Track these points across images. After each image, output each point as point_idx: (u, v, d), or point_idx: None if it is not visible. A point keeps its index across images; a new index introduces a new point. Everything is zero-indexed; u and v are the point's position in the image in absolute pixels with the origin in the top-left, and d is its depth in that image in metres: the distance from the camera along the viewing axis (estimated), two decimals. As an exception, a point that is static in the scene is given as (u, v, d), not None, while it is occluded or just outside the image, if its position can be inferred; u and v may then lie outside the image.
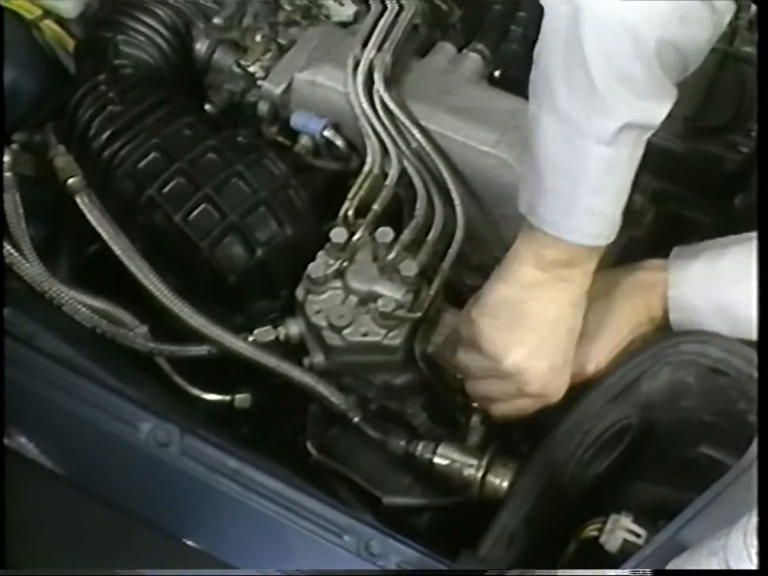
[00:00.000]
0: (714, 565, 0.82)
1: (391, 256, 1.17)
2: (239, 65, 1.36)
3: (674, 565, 0.88)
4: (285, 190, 1.23)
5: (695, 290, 1.10)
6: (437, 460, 1.14)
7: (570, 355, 1.11)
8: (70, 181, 1.23)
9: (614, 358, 1.13)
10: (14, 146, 1.26)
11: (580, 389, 1.12)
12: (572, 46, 0.97)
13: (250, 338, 1.19)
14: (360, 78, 1.29)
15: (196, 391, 1.21)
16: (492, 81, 1.41)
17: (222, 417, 1.21)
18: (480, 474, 1.12)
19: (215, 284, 1.20)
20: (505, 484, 1.11)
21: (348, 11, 1.42)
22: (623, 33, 0.94)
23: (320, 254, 1.19)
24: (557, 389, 1.11)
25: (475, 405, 1.17)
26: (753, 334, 1.03)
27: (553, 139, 1.03)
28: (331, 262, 1.18)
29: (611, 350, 1.13)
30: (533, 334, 1.09)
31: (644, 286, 1.14)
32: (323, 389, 1.17)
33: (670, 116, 1.22)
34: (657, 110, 1.01)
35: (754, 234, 1.08)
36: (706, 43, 1.00)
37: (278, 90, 1.33)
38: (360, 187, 1.24)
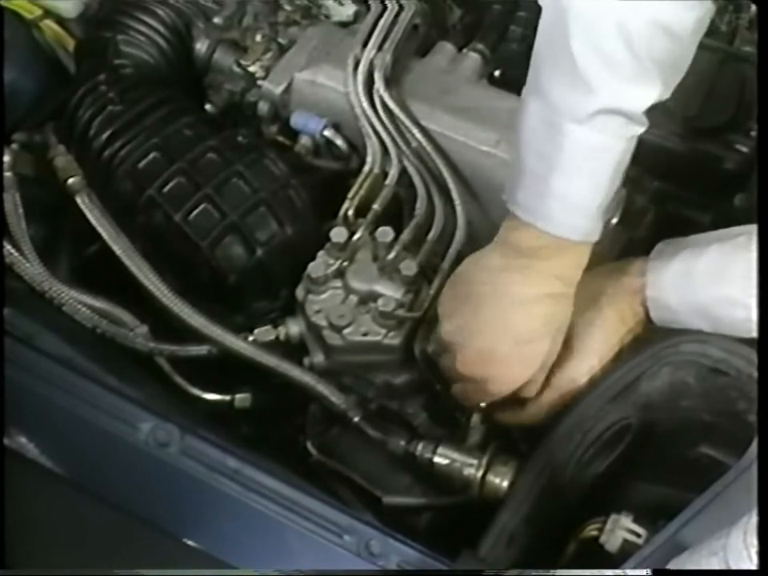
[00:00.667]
0: (714, 565, 0.82)
1: (391, 256, 1.18)
2: (239, 65, 1.36)
3: (673, 565, 0.88)
4: (285, 189, 1.23)
5: (671, 291, 1.10)
6: (437, 459, 1.14)
7: (512, 359, 1.09)
8: (70, 181, 1.23)
9: (607, 364, 1.13)
10: (14, 146, 1.26)
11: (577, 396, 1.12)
12: (557, 25, 0.98)
13: (250, 338, 1.19)
14: (360, 77, 1.30)
15: (196, 391, 1.21)
16: (492, 81, 1.41)
17: (222, 417, 1.21)
18: (480, 474, 1.12)
19: (215, 284, 1.20)
20: (505, 484, 1.11)
21: (348, 11, 1.42)
22: (608, 12, 0.94)
23: (320, 253, 1.19)
24: (495, 376, 1.09)
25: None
26: (736, 332, 1.04)
27: (534, 121, 1.03)
28: (331, 261, 1.18)
29: (602, 359, 1.13)
30: (473, 312, 1.09)
31: (628, 291, 1.13)
32: (323, 388, 1.17)
33: (670, 116, 1.23)
34: (637, 97, 0.99)
35: (738, 230, 1.08)
36: (695, 26, 0.98)
37: (278, 90, 1.33)
38: (360, 187, 1.24)
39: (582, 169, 1.02)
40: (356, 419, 1.17)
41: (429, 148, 1.26)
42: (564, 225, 1.04)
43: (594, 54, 0.96)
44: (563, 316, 1.09)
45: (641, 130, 1.02)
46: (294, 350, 1.20)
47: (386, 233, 1.19)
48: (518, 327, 1.08)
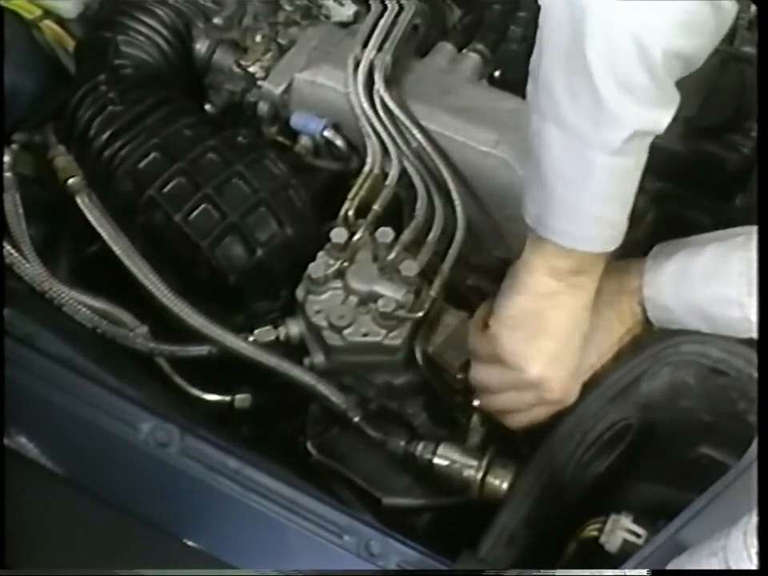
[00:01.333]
0: (714, 565, 0.82)
1: (391, 256, 1.17)
2: (239, 65, 1.36)
3: (674, 565, 0.88)
4: (285, 190, 1.23)
5: (668, 291, 1.10)
6: (436, 461, 1.14)
7: (581, 358, 1.11)
8: (70, 181, 1.23)
9: (606, 363, 1.14)
10: (14, 146, 1.26)
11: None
12: (574, 55, 0.96)
13: (251, 338, 1.19)
14: (360, 78, 1.29)
15: (196, 391, 1.21)
16: (492, 81, 1.41)
17: (222, 417, 1.21)
18: (480, 475, 1.12)
19: (215, 284, 1.20)
20: (504, 485, 1.11)
21: (348, 11, 1.42)
22: (629, 42, 0.93)
23: (320, 254, 1.19)
24: (575, 393, 1.12)
25: (475, 403, 1.17)
26: (733, 331, 1.05)
27: (559, 150, 1.02)
28: (331, 262, 1.18)
29: (601, 359, 1.13)
30: (553, 342, 1.09)
31: (626, 292, 1.13)
32: (323, 388, 1.17)
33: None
34: (663, 117, 1.00)
35: (736, 231, 1.08)
36: (710, 47, 1.00)
37: (278, 90, 1.33)
38: (360, 187, 1.24)
39: (615, 192, 1.04)
40: (356, 419, 1.17)
41: (429, 148, 1.26)
42: (602, 242, 1.06)
43: (616, 85, 0.95)
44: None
45: (654, 138, 1.04)
46: (294, 351, 1.20)
47: (386, 233, 1.18)
48: (582, 337, 1.10)
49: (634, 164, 1.03)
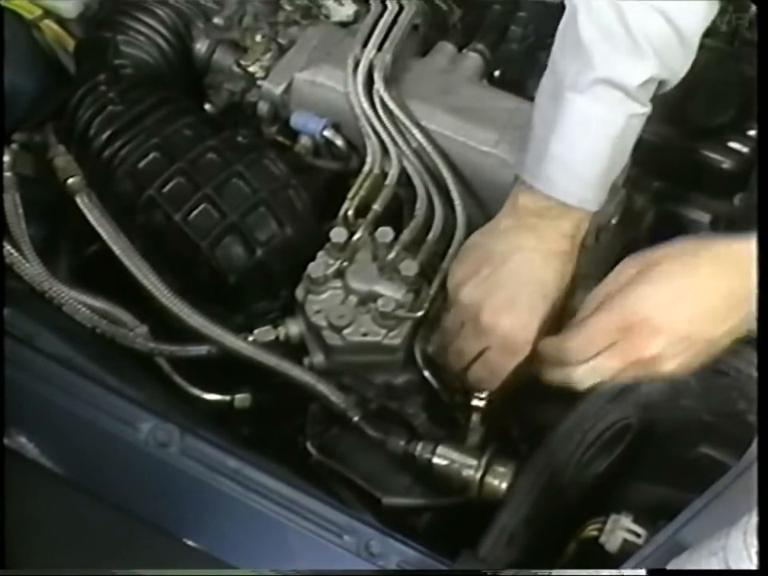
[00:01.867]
0: (714, 565, 0.82)
1: (391, 256, 1.17)
2: (239, 65, 1.36)
3: (674, 565, 0.88)
4: (285, 189, 1.23)
5: None
6: (436, 460, 1.14)
7: (537, 308, 1.10)
8: (70, 181, 1.23)
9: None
10: (14, 146, 1.26)
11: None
12: (570, 4, 1.09)
13: (250, 338, 1.19)
14: (360, 77, 1.30)
15: (196, 391, 1.21)
16: (492, 81, 1.41)
17: (222, 417, 1.21)
18: (479, 475, 1.12)
19: (215, 284, 1.20)
20: (503, 485, 1.11)
21: (348, 11, 1.42)
22: None
23: (320, 253, 1.19)
24: (516, 329, 1.10)
25: (474, 403, 1.16)
26: None
27: (543, 90, 1.14)
28: (331, 261, 1.18)
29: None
30: (494, 269, 1.11)
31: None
32: (323, 388, 1.17)
33: (670, 116, 1.23)
34: (631, 70, 1.07)
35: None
36: (695, 18, 1.07)
37: (278, 90, 1.33)
38: (360, 187, 1.24)
39: (580, 137, 1.10)
40: (356, 419, 1.17)
41: (429, 148, 1.26)
42: (562, 189, 1.10)
43: (596, 29, 1.07)
44: (567, 276, 1.12)
45: (641, 110, 1.10)
46: (293, 351, 1.20)
47: (385, 233, 1.18)
48: (537, 279, 1.11)
49: (601, 114, 1.08)
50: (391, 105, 1.28)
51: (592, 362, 1.04)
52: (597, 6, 1.07)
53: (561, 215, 1.11)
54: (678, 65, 1.11)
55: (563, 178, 1.10)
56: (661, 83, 1.11)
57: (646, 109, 1.11)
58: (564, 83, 1.09)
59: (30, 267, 1.19)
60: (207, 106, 1.38)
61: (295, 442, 1.23)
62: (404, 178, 1.26)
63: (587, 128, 1.09)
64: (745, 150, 1.34)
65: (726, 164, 1.35)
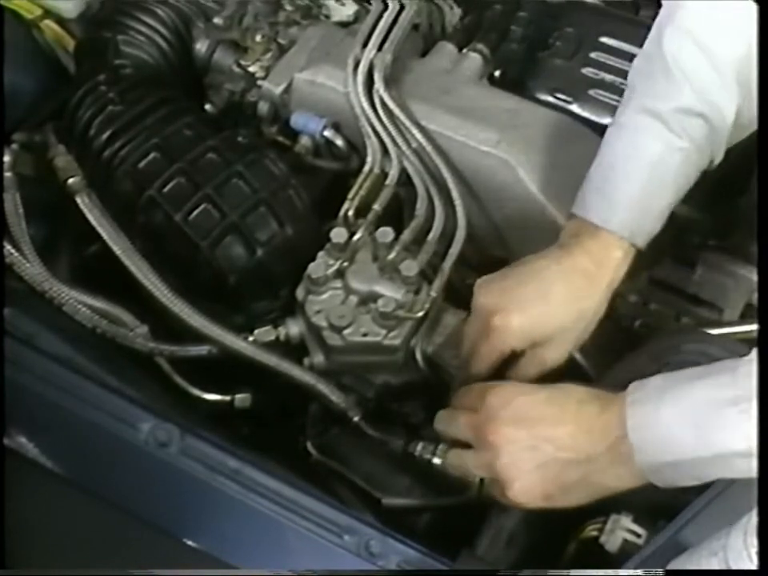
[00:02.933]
0: (714, 565, 0.82)
1: (391, 256, 1.17)
2: (239, 65, 1.36)
3: (674, 565, 0.88)
4: (285, 189, 1.23)
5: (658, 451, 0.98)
6: (436, 460, 1.14)
7: (545, 315, 1.09)
8: (70, 181, 1.23)
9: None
10: (14, 146, 1.26)
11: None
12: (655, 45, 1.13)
13: (251, 338, 1.19)
14: (360, 77, 1.29)
15: (196, 391, 1.21)
16: (492, 81, 1.41)
17: (222, 417, 1.21)
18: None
19: (215, 284, 1.20)
20: (504, 484, 1.11)
21: (348, 11, 1.42)
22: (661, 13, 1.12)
23: (320, 254, 1.19)
24: (525, 329, 1.10)
25: None
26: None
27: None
28: (331, 262, 1.18)
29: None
30: (512, 276, 1.12)
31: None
32: (323, 388, 1.17)
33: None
34: (664, 96, 1.10)
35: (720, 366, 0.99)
36: (735, 47, 1.08)
37: (278, 90, 1.33)
38: (360, 187, 1.24)
39: (615, 160, 1.12)
40: (356, 419, 1.17)
41: (429, 148, 1.26)
42: (592, 210, 1.11)
43: (642, 57, 1.15)
44: (586, 295, 1.10)
45: (678, 143, 1.09)
46: (294, 351, 1.20)
47: (386, 233, 1.18)
48: (550, 288, 1.10)
49: (637, 142, 1.11)
50: (391, 105, 1.28)
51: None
52: (650, 36, 1.13)
53: (591, 236, 1.10)
54: (718, 98, 1.09)
55: (594, 199, 1.11)
56: (711, 128, 1.10)
57: (687, 144, 1.09)
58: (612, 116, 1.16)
59: (30, 267, 1.19)
60: (207, 106, 1.38)
61: (295, 442, 1.23)
62: (404, 178, 1.26)
63: (622, 153, 1.12)
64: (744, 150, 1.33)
65: (726, 164, 1.34)
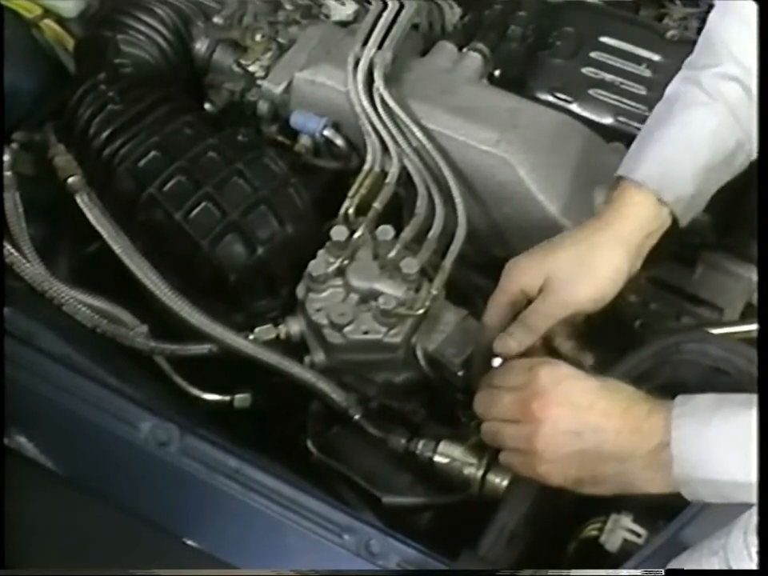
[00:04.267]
0: (715, 564, 0.82)
1: (392, 254, 1.17)
2: (239, 64, 1.36)
3: (674, 564, 0.88)
4: (285, 188, 1.23)
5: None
6: (437, 458, 1.14)
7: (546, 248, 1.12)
8: (70, 180, 1.23)
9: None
10: (14, 146, 1.26)
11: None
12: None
13: (251, 337, 1.19)
14: (360, 76, 1.29)
15: (196, 391, 1.21)
16: (492, 80, 1.41)
17: (221, 416, 1.21)
18: (480, 473, 1.12)
19: (216, 282, 1.20)
20: (505, 483, 1.11)
21: (348, 10, 1.42)
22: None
23: (321, 252, 1.19)
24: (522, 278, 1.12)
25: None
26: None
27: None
28: (332, 260, 1.18)
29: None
30: (543, 245, 1.13)
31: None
32: (324, 386, 1.17)
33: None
34: (705, 64, 1.15)
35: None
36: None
37: (278, 90, 1.33)
38: (360, 185, 1.24)
39: (652, 125, 1.16)
40: (357, 417, 1.17)
41: (429, 147, 1.26)
42: (622, 167, 1.13)
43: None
44: (611, 246, 1.11)
45: (717, 108, 1.12)
46: (294, 349, 1.20)
47: (386, 231, 1.18)
48: (572, 235, 1.13)
49: (682, 107, 1.13)
50: (391, 103, 1.28)
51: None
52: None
53: (616, 189, 1.12)
54: (753, 64, 1.10)
55: (627, 158, 1.14)
56: (746, 92, 1.12)
57: (721, 107, 1.11)
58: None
59: (30, 267, 1.19)
60: (207, 106, 1.37)
61: (295, 441, 1.23)
62: (404, 176, 1.26)
63: (657, 117, 1.16)
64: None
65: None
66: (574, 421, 0.99)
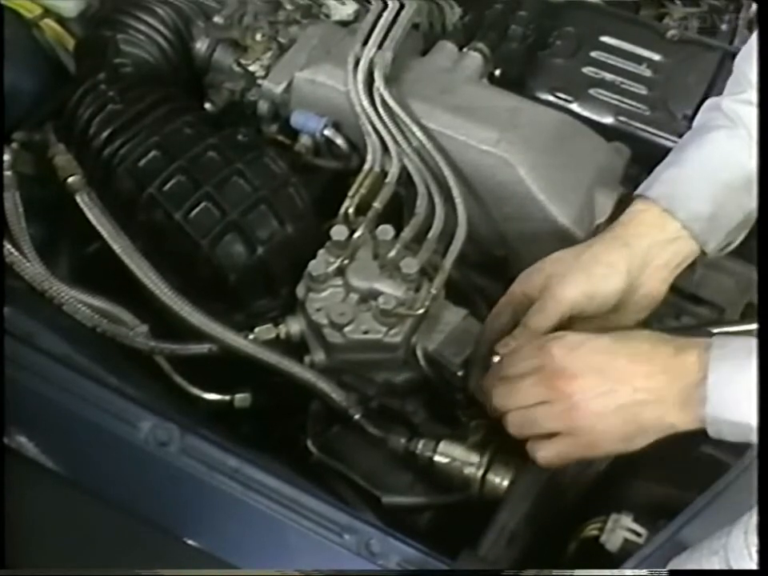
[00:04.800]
0: (715, 563, 0.82)
1: (392, 254, 1.17)
2: (239, 64, 1.36)
3: (674, 564, 0.88)
4: (285, 188, 1.23)
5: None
6: (437, 458, 1.14)
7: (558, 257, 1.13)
8: (70, 179, 1.23)
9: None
10: (14, 145, 1.26)
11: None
12: None
13: (251, 336, 1.19)
14: (360, 76, 1.29)
15: (196, 391, 1.21)
16: (492, 80, 1.41)
17: (221, 416, 1.21)
18: (480, 473, 1.12)
19: (216, 282, 1.20)
20: (505, 483, 1.11)
21: (348, 10, 1.42)
22: None
23: (321, 252, 1.19)
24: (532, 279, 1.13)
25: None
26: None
27: None
28: (332, 259, 1.18)
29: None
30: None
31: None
32: (324, 386, 1.17)
33: (670, 116, 1.23)
34: (729, 92, 1.18)
35: None
36: None
37: (278, 89, 1.33)
38: (360, 185, 1.24)
39: (675, 148, 1.18)
40: (357, 417, 1.17)
41: (429, 147, 1.26)
42: (641, 186, 1.15)
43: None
44: (615, 253, 1.11)
45: (738, 131, 1.13)
46: (294, 349, 1.20)
47: (386, 231, 1.18)
48: (585, 249, 1.13)
49: (705, 133, 1.15)
50: (391, 103, 1.28)
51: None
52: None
53: (644, 219, 1.12)
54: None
55: (652, 180, 1.14)
56: None
57: (741, 130, 1.13)
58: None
59: (30, 266, 1.19)
60: (207, 105, 1.37)
61: (296, 441, 1.23)
62: (404, 176, 1.26)
63: (680, 141, 1.19)
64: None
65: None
66: (602, 382, 1.00)
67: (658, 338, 1.02)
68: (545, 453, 1.03)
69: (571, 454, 1.03)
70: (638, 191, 1.15)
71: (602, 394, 0.99)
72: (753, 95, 1.13)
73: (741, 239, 1.16)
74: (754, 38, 1.16)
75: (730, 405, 0.95)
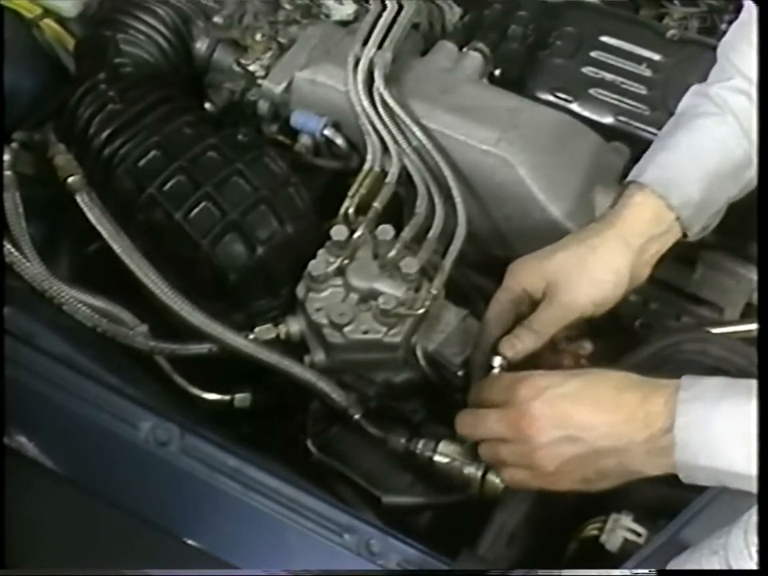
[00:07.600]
0: (715, 563, 0.82)
1: (392, 253, 1.17)
2: (239, 64, 1.36)
3: (674, 564, 0.88)
4: (285, 188, 1.23)
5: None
6: (437, 458, 1.14)
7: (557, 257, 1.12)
8: (70, 179, 1.23)
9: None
10: (14, 145, 1.26)
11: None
12: None
13: (251, 336, 1.19)
14: (360, 76, 1.29)
15: (196, 390, 1.21)
16: (492, 80, 1.41)
17: (222, 415, 1.21)
18: (480, 473, 1.12)
19: (216, 282, 1.20)
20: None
21: (348, 10, 1.42)
22: None
23: (321, 251, 1.19)
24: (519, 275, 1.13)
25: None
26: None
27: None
28: (332, 259, 1.18)
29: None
30: (547, 247, 1.14)
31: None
32: (324, 385, 1.17)
33: (669, 116, 1.23)
34: (716, 78, 1.18)
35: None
36: None
37: (278, 89, 1.33)
38: (360, 185, 1.24)
39: (662, 135, 1.18)
40: (357, 417, 1.17)
41: (429, 146, 1.26)
42: (632, 173, 1.15)
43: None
44: (610, 246, 1.12)
45: (725, 118, 1.13)
46: (294, 349, 1.20)
47: (386, 231, 1.18)
48: (573, 237, 1.15)
49: (695, 119, 1.15)
50: (391, 103, 1.28)
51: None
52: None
53: (623, 193, 1.14)
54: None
55: (644, 164, 1.15)
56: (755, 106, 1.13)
57: (729, 117, 1.13)
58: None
59: (30, 266, 1.19)
60: (207, 105, 1.38)
61: (296, 441, 1.23)
62: (404, 176, 1.26)
63: (667, 127, 1.19)
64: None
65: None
66: (563, 428, 0.99)
67: (627, 384, 0.99)
68: (508, 477, 1.06)
69: (533, 484, 1.04)
70: (631, 176, 1.15)
71: (562, 439, 0.99)
72: (741, 82, 1.13)
73: (715, 225, 1.17)
74: (735, 27, 1.18)
75: (700, 449, 0.92)
